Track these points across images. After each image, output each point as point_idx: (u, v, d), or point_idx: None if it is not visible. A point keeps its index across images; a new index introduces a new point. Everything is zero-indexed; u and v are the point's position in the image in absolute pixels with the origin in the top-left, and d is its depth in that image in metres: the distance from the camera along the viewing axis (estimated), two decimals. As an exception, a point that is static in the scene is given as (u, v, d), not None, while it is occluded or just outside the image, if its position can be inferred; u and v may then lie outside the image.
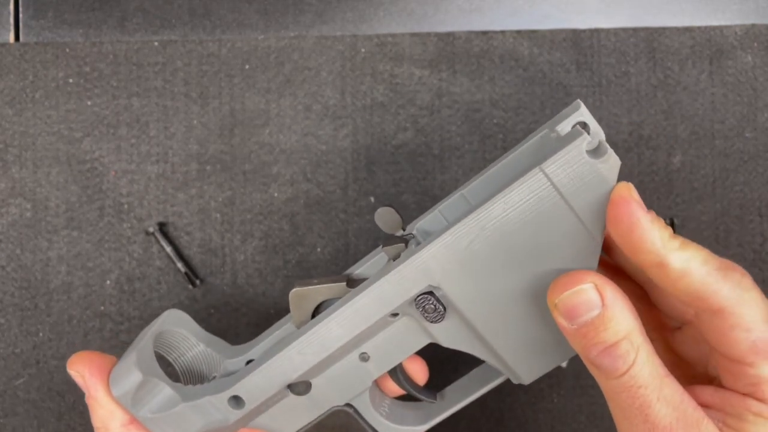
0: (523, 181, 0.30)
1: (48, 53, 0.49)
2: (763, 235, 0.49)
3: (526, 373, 0.35)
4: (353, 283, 0.35)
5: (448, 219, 0.35)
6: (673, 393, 0.29)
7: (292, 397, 0.35)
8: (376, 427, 0.37)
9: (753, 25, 0.49)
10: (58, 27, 0.49)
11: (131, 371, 0.34)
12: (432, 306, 0.32)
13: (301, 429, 0.36)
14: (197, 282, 0.48)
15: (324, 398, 0.36)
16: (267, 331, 0.38)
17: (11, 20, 0.49)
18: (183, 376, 0.38)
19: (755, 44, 0.49)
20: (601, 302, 0.29)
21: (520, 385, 0.49)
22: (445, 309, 0.33)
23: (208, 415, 0.34)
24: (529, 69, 0.49)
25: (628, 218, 0.29)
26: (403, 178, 0.49)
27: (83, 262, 0.48)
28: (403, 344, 0.35)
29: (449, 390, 0.39)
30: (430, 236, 0.34)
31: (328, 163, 0.49)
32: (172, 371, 0.38)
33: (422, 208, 0.48)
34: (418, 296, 0.32)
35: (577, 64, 0.49)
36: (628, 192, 0.29)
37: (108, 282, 0.48)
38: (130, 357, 0.34)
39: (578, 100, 0.33)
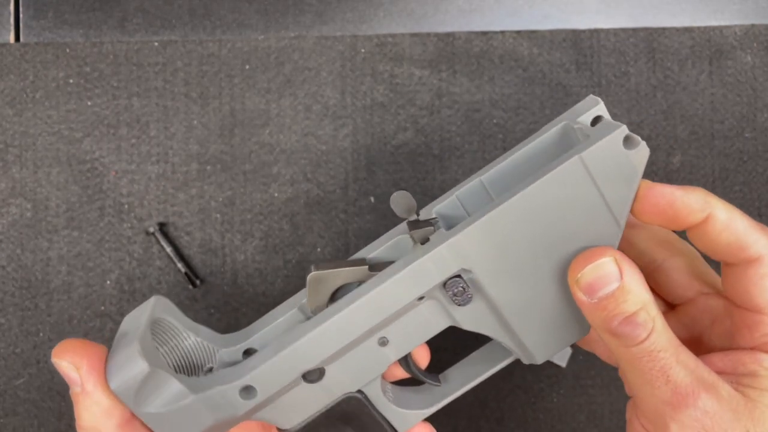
0: (562, 168, 0.31)
1: (48, 53, 0.49)
2: (763, 235, 0.49)
3: (540, 353, 0.36)
4: (375, 267, 0.34)
5: (466, 205, 0.36)
6: (688, 358, 0.31)
7: (303, 386, 0.34)
8: (385, 413, 0.36)
9: (753, 26, 0.49)
10: (59, 27, 0.49)
11: (136, 362, 0.31)
12: (461, 289, 0.33)
13: (309, 418, 0.35)
14: (197, 282, 0.48)
15: (337, 385, 0.34)
16: (262, 320, 0.36)
17: (11, 20, 0.49)
18: (176, 370, 0.35)
19: (755, 44, 0.49)
20: (619, 275, 0.31)
21: (520, 385, 0.49)
22: (472, 292, 0.33)
23: (216, 408, 0.32)
24: (528, 69, 0.49)
25: (663, 195, 0.32)
26: (403, 178, 0.49)
27: (83, 262, 0.48)
28: (424, 328, 0.35)
29: (451, 373, 0.39)
30: (453, 220, 0.35)
31: (328, 163, 0.49)
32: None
33: (422, 208, 0.48)
34: (449, 279, 0.33)
35: (576, 65, 0.49)
36: (650, 182, 0.33)
37: (108, 282, 0.48)
38: (133, 346, 0.31)
39: (592, 95, 0.35)
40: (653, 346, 0.31)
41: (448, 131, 0.49)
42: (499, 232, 0.32)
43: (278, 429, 0.36)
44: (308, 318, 0.35)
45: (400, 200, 0.33)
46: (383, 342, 0.34)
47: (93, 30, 0.49)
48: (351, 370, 0.34)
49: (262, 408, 0.34)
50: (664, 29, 0.49)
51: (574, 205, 0.32)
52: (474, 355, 0.39)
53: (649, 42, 0.49)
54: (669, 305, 0.38)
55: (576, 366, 0.49)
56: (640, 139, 0.32)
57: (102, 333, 0.48)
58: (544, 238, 0.32)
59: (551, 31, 0.49)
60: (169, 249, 0.48)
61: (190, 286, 0.48)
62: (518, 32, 0.49)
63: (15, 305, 0.48)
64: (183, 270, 0.48)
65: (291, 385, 0.33)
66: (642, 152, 0.32)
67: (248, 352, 0.35)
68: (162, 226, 0.48)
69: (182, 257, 0.48)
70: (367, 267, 0.34)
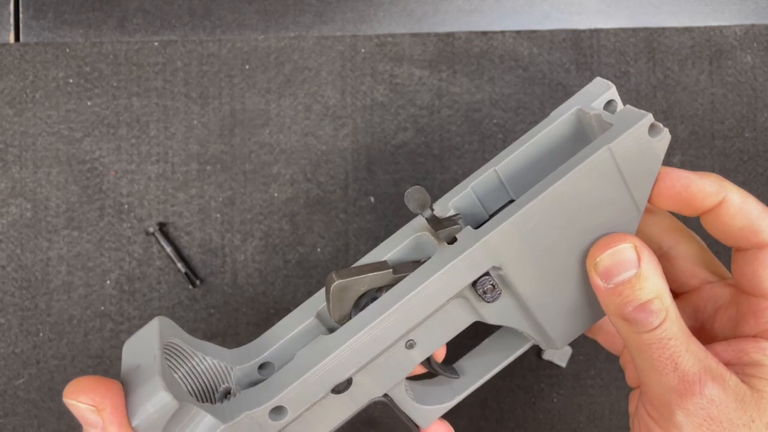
0: (592, 160, 0.31)
1: (48, 53, 0.49)
2: (763, 235, 0.49)
3: (561, 339, 0.35)
4: (399, 269, 0.33)
5: (482, 199, 0.35)
6: (698, 348, 0.31)
7: (330, 397, 0.33)
8: (410, 413, 0.35)
9: (753, 25, 0.49)
10: (58, 27, 0.49)
11: (162, 399, 0.28)
12: (491, 286, 0.32)
13: (335, 428, 0.34)
14: (197, 282, 0.48)
15: (364, 392, 0.33)
16: (274, 331, 0.35)
17: (11, 20, 0.49)
18: (191, 395, 0.33)
19: (755, 44, 0.49)
20: (638, 263, 0.31)
21: (520, 385, 0.49)
22: (501, 288, 0.33)
23: None
24: (529, 69, 0.49)
25: (679, 179, 0.32)
26: (403, 178, 0.49)
27: (83, 262, 0.48)
28: (450, 326, 0.34)
29: (465, 364, 0.38)
30: (471, 216, 0.35)
31: (328, 163, 0.49)
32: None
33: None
34: (479, 278, 0.32)
35: (576, 64, 0.49)
36: (666, 167, 0.33)
37: (108, 282, 0.48)
38: (155, 381, 0.29)
39: (600, 78, 0.34)
40: (664, 334, 0.31)
41: (448, 131, 0.49)
42: (528, 227, 0.32)
43: None
44: (330, 327, 0.35)
45: (414, 195, 0.32)
46: (410, 345, 0.34)
47: (93, 30, 0.49)
48: (378, 377, 0.33)
49: (289, 423, 0.32)
50: (664, 29, 0.49)
51: (599, 195, 0.32)
52: (486, 344, 0.38)
53: (649, 42, 0.49)
54: (673, 293, 0.38)
55: (576, 366, 0.49)
56: (662, 126, 0.32)
57: (101, 333, 0.48)
58: (568, 228, 0.32)
59: (551, 31, 0.49)
60: (169, 249, 0.48)
61: (190, 286, 0.48)
62: (518, 32, 0.49)
63: (15, 305, 0.48)
64: (183, 270, 0.48)
65: (320, 399, 0.32)
66: (665, 139, 0.32)
67: (264, 367, 0.34)
68: (162, 226, 0.48)
69: (182, 257, 0.48)
70: (391, 270, 0.33)
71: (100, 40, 0.49)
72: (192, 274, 0.48)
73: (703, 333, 0.36)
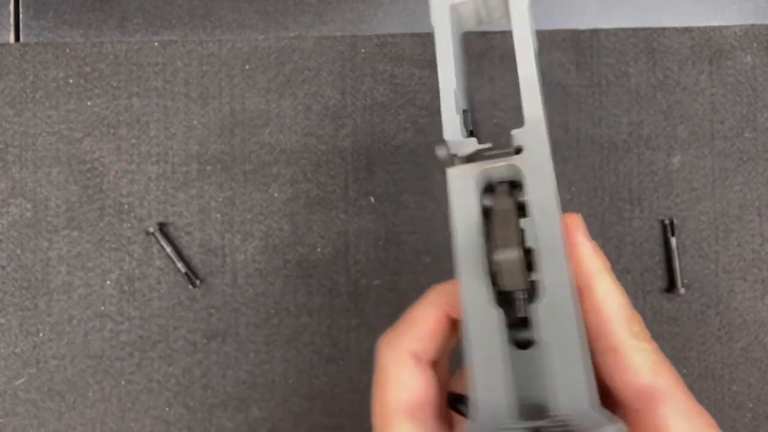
0: None
1: (48, 53, 0.49)
2: (763, 235, 0.49)
3: None
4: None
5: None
6: None
7: None
8: None
9: (752, 26, 0.49)
10: (59, 27, 0.49)
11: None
12: None
13: None
14: (197, 282, 0.48)
15: None
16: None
17: (11, 20, 0.49)
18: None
19: (755, 44, 0.49)
20: None
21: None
22: None
23: None
24: (528, 69, 0.49)
25: (572, 240, 0.30)
26: (403, 178, 0.49)
27: (83, 262, 0.48)
28: None
29: None
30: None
31: (328, 163, 0.49)
32: None
33: (422, 208, 0.48)
34: None
35: (576, 65, 0.49)
36: (578, 220, 0.31)
37: (108, 282, 0.48)
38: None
39: None
40: None
41: (448, 131, 0.49)
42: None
43: None
44: None
45: (441, 148, 0.32)
46: None
47: (93, 30, 0.49)
48: None
49: None
50: (664, 29, 0.49)
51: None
52: None
53: (649, 42, 0.49)
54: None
55: (576, 366, 0.49)
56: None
57: (101, 333, 0.48)
58: None
59: (551, 31, 0.49)
60: (169, 249, 0.48)
61: (190, 286, 0.48)
62: (518, 32, 0.49)
63: (15, 305, 0.48)
64: (183, 270, 0.48)
65: None
66: None
67: None
68: (162, 226, 0.48)
69: (182, 257, 0.48)
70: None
71: (100, 40, 0.49)
72: (192, 274, 0.48)
73: None
